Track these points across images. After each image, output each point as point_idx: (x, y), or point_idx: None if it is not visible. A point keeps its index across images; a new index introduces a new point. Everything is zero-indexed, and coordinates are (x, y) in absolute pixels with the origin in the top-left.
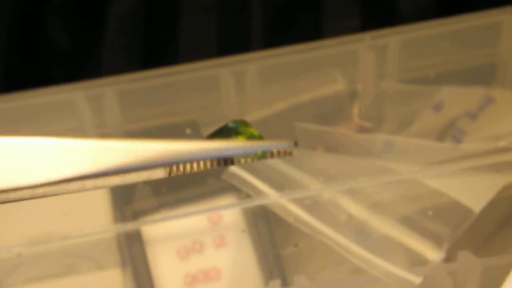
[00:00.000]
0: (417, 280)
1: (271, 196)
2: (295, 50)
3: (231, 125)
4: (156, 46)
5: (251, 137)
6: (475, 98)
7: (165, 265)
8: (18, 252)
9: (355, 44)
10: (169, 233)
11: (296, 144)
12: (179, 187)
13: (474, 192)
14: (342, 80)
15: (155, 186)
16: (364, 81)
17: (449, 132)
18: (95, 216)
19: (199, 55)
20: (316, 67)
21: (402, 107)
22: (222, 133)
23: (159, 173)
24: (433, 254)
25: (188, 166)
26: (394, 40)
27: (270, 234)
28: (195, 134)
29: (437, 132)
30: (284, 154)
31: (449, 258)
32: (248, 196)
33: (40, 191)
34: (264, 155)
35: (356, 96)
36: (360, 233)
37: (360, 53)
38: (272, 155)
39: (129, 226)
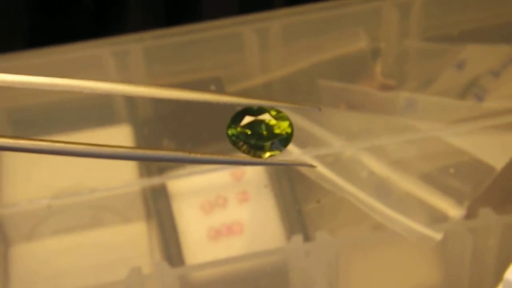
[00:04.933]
0: (438, 236)
1: (293, 153)
2: (318, 8)
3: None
4: (179, 3)
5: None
6: (498, 56)
7: (190, 218)
8: (48, 204)
9: (379, 1)
10: (193, 188)
11: (320, 109)
12: (203, 142)
13: (495, 150)
14: (365, 38)
15: (180, 142)
16: (387, 39)
17: (472, 90)
18: (122, 170)
19: (222, 13)
20: (339, 25)
21: (425, 65)
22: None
23: None
24: (454, 211)
25: None
26: None
27: (292, 190)
28: (219, 91)
29: (460, 90)
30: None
31: (470, 215)
32: None
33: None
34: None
35: (379, 54)
36: (382, 190)
37: (384, 11)
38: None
39: (155, 181)
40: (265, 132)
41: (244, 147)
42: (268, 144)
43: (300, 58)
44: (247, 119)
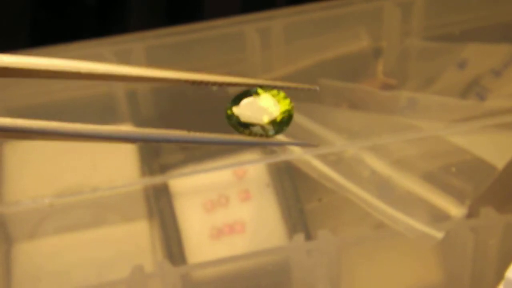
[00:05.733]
0: (439, 235)
1: (295, 151)
2: (320, 7)
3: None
4: (181, 3)
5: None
6: (499, 55)
7: (192, 217)
8: (50, 202)
9: (381, 1)
10: (195, 187)
11: (318, 89)
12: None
13: (497, 149)
14: (366, 37)
15: None
16: (389, 38)
17: (473, 89)
18: (123, 169)
19: (224, 12)
20: (341, 24)
21: (427, 64)
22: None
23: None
24: (455, 210)
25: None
26: None
27: (294, 189)
28: (221, 90)
29: (461, 89)
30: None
31: (472, 214)
32: (272, 151)
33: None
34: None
35: (380, 53)
36: (383, 188)
37: (386, 10)
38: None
39: (157, 180)
40: (264, 114)
41: (244, 129)
42: (267, 125)
43: (302, 57)
44: (246, 101)
